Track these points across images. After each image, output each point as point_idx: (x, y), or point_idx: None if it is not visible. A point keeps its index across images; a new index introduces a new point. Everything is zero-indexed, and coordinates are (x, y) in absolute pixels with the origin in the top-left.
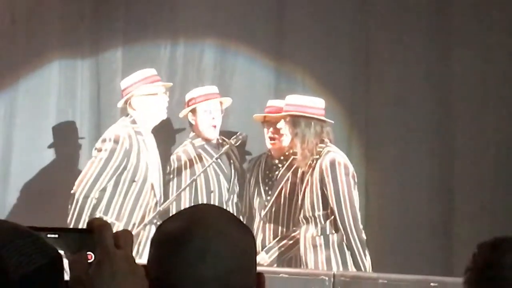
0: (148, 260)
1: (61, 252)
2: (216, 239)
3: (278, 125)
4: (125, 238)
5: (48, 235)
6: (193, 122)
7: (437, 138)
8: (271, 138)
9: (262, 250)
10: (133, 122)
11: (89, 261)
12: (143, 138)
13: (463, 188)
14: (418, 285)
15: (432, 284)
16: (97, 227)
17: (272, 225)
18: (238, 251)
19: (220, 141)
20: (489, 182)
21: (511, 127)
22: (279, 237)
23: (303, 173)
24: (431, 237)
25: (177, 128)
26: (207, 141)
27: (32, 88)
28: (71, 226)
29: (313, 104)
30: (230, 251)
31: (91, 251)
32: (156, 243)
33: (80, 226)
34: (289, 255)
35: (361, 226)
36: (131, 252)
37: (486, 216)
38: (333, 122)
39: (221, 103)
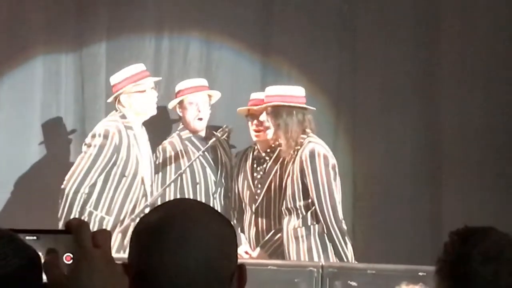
0: (130, 252)
1: (40, 253)
2: (195, 228)
3: (261, 118)
4: (103, 237)
5: (27, 237)
6: (180, 114)
7: (424, 127)
8: (256, 131)
9: (257, 244)
10: (123, 117)
11: (68, 262)
12: (134, 132)
13: (451, 176)
14: (407, 275)
15: (420, 273)
16: (75, 227)
17: (264, 218)
18: (218, 240)
19: (209, 134)
20: (477, 166)
21: (496, 107)
22: (273, 230)
23: (286, 164)
24: (420, 226)
25: (168, 120)
26: (194, 133)
27: (16, 83)
28: (62, 221)
29: (293, 92)
30: (210, 239)
31: (69, 252)
32: (137, 234)
33: None
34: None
35: (341, 217)
36: (110, 250)
37: (476, 202)
38: (314, 108)
39: (209, 96)
